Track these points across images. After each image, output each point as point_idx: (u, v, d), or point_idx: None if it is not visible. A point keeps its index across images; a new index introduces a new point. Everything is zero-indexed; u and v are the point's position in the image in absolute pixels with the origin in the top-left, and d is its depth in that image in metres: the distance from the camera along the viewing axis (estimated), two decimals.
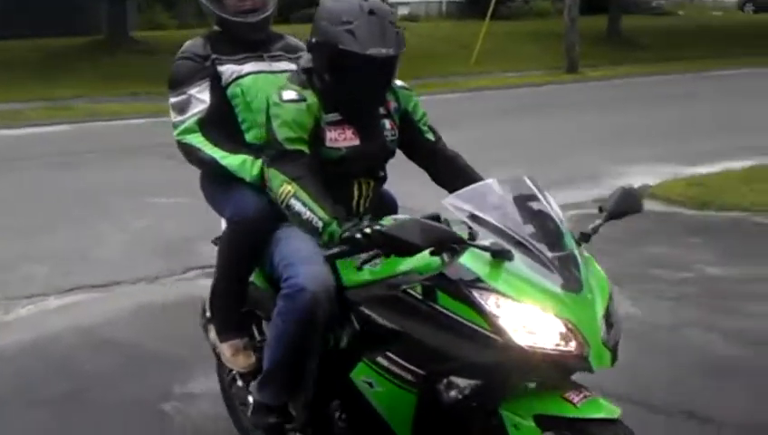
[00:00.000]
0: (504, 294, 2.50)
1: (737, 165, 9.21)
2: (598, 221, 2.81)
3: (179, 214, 7.42)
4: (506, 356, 2.47)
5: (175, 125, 3.37)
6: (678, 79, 19.35)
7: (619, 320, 2.63)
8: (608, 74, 20.17)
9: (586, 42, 21.71)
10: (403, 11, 29.78)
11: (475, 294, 2.53)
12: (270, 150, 3.04)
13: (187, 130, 3.33)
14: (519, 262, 2.55)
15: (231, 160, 3.26)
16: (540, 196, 2.72)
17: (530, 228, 2.62)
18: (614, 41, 24.63)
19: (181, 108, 3.35)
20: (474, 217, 2.65)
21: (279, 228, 3.15)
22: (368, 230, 2.59)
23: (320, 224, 2.85)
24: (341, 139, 3.07)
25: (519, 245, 2.57)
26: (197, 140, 3.31)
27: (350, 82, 2.98)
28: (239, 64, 3.37)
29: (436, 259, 2.66)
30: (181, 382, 4.37)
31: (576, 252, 2.63)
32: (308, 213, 2.87)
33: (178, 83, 3.36)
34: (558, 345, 2.44)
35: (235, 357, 3.38)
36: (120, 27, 21.72)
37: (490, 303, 2.50)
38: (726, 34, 26.71)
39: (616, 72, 20.35)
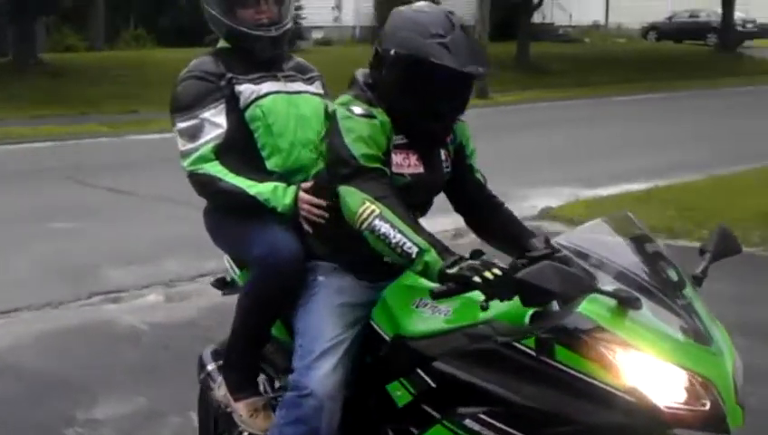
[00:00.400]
0: (634, 348, 2.20)
1: (636, 187, 9.57)
2: (703, 263, 2.57)
3: (84, 238, 7.35)
4: (635, 418, 2.18)
5: (185, 154, 2.97)
6: (584, 103, 19.94)
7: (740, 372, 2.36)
8: (517, 99, 20.63)
9: (496, 68, 22.17)
10: (317, 35, 29.97)
11: (602, 347, 2.21)
12: (341, 168, 2.63)
13: (202, 159, 2.92)
14: (646, 310, 2.26)
15: (261, 189, 2.86)
16: (650, 235, 2.51)
17: (651, 272, 2.38)
18: (523, 67, 25.20)
19: (192, 134, 2.95)
20: (590, 260, 2.38)
21: (311, 284, 2.82)
22: (496, 272, 2.27)
23: (414, 250, 2.46)
24: (406, 165, 2.75)
25: (643, 290, 2.30)
26: (216, 169, 2.91)
27: (432, 100, 2.67)
28: (256, 84, 3.01)
29: (526, 309, 2.34)
30: (84, 408, 4.35)
31: (699, 300, 2.40)
32: (398, 236, 2.49)
33: (188, 106, 2.96)
34: (694, 404, 2.18)
35: (254, 418, 3.00)
36: (29, 49, 21.27)
37: (619, 358, 2.20)
38: (630, 61, 27.63)
39: (524, 97, 20.83)
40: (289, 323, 2.89)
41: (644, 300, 2.26)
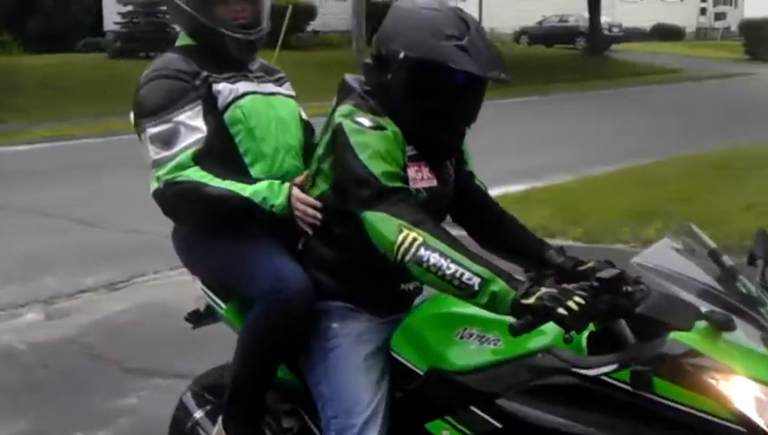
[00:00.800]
0: (736, 373, 2.01)
1: (513, 188, 9.83)
2: (759, 272, 2.38)
3: None
4: None
5: (159, 163, 2.60)
6: None
7: None
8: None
9: None
10: None
11: (704, 375, 2.02)
12: (361, 190, 2.30)
13: (180, 167, 2.56)
14: (739, 330, 2.08)
15: (257, 189, 2.53)
16: (719, 249, 2.33)
17: (732, 288, 2.21)
18: None
19: (167, 140, 2.59)
20: (672, 279, 2.18)
21: (325, 333, 2.50)
22: (580, 302, 2.02)
23: (475, 281, 2.14)
24: (420, 178, 2.47)
25: (730, 308, 2.13)
26: (199, 175, 2.55)
27: (445, 108, 2.41)
28: (232, 83, 2.71)
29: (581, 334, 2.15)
30: None
31: None
32: (453, 267, 2.16)
33: (160, 108, 2.62)
34: None
35: None
36: None
37: (723, 385, 2.01)
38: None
39: None
40: (294, 363, 2.62)
41: (736, 320, 2.08)
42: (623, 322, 2.15)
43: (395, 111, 2.42)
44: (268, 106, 2.76)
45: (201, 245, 2.71)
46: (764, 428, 1.98)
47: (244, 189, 2.53)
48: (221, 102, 2.67)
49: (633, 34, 40.43)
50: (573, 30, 37.00)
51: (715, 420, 2.00)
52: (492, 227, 2.74)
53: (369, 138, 2.35)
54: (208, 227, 2.69)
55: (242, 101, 2.69)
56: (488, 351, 2.31)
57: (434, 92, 2.39)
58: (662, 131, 14.85)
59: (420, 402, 2.45)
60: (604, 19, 35.10)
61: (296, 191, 2.54)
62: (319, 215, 2.50)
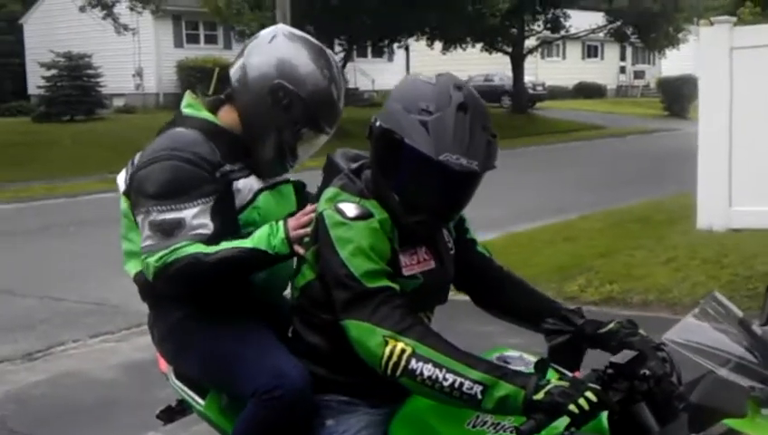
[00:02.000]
0: None
1: None
2: None
3: None
4: None
5: (151, 250, 2.38)
6: None
7: None
8: (319, 165, 20.89)
9: None
10: (119, 103, 29.30)
11: None
12: (341, 292, 2.14)
13: (175, 251, 2.35)
14: None
15: (257, 237, 2.36)
16: (747, 318, 2.20)
17: (766, 358, 2.07)
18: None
19: (168, 231, 2.37)
20: (707, 355, 2.05)
21: (318, 430, 2.32)
22: (591, 399, 1.93)
23: (477, 389, 1.99)
24: (416, 263, 2.29)
25: (765, 381, 2.01)
26: (195, 247, 2.35)
27: (411, 189, 2.20)
28: (246, 177, 2.52)
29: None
30: None
31: None
32: (450, 377, 2.00)
33: (170, 194, 2.38)
34: None
35: None
36: None
37: None
38: None
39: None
40: None
41: None
42: (643, 405, 2.08)
43: (376, 188, 2.25)
44: (278, 201, 2.59)
45: (193, 333, 2.52)
46: None
47: (244, 242, 2.36)
48: (239, 202, 2.49)
49: (556, 92, 41.46)
50: (498, 89, 37.73)
51: None
52: (499, 295, 2.56)
53: (350, 231, 2.16)
54: (206, 313, 2.50)
55: (258, 201, 2.52)
56: None
57: (398, 169, 2.19)
58: (586, 186, 15.14)
59: None
60: (528, 78, 35.96)
61: (291, 222, 2.37)
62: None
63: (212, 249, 2.35)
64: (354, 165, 2.36)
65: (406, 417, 2.32)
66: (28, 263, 9.64)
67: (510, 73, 34.60)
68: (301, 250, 2.33)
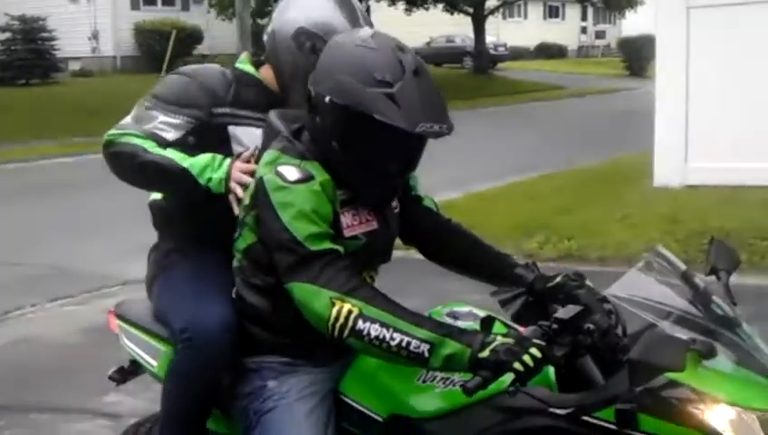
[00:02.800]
0: (720, 401, 1.99)
1: None
2: (723, 286, 2.33)
3: None
4: None
5: (116, 126, 2.55)
6: None
7: None
8: None
9: None
10: (74, 66, 28.83)
11: (689, 407, 1.99)
12: (284, 257, 2.13)
13: (131, 135, 2.48)
14: (720, 356, 2.05)
15: (197, 161, 2.40)
16: (691, 271, 2.26)
17: (708, 312, 2.16)
18: None
19: (138, 119, 2.54)
20: (649, 308, 2.13)
21: (260, 393, 2.32)
22: (536, 355, 1.96)
23: (424, 348, 2.01)
24: (358, 223, 2.27)
25: (708, 333, 2.09)
26: (142, 141, 2.46)
27: (377, 159, 2.20)
28: (252, 127, 2.55)
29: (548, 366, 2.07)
30: None
31: (755, 332, 2.20)
32: (397, 336, 2.01)
33: (165, 100, 2.55)
34: None
35: None
36: None
37: (708, 415, 1.98)
38: None
39: None
40: (229, 414, 2.48)
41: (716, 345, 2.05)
42: (588, 358, 2.11)
43: (326, 156, 2.21)
44: None
45: (168, 265, 2.64)
46: None
47: (184, 159, 2.41)
48: (235, 148, 2.51)
49: (518, 53, 41.49)
50: (460, 50, 37.70)
51: None
52: (448, 249, 2.57)
53: (292, 195, 2.14)
54: (190, 248, 2.60)
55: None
56: (456, 393, 2.12)
57: (362, 143, 2.17)
58: (547, 146, 15.25)
59: None
60: (489, 39, 35.91)
61: (238, 164, 2.40)
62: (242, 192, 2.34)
63: (155, 150, 2.43)
64: (294, 126, 2.32)
65: (357, 374, 2.35)
66: None
67: (471, 34, 34.54)
68: (239, 192, 2.35)
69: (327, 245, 2.13)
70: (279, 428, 2.28)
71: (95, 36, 30.40)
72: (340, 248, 2.15)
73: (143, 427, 2.88)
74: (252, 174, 2.33)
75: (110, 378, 2.97)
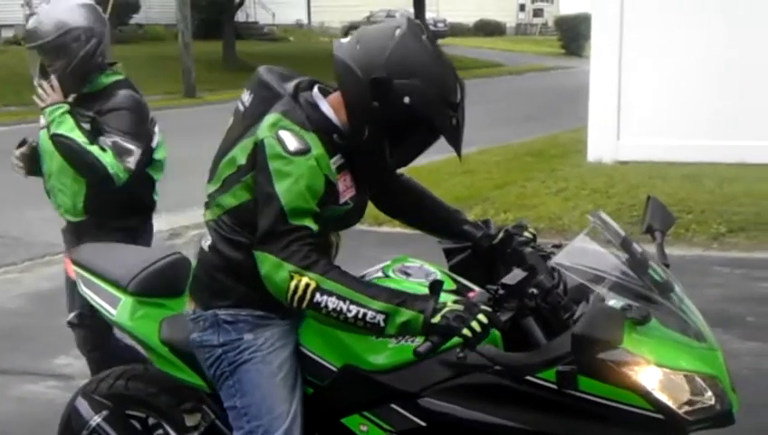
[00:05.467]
0: (653, 363, 2.17)
1: None
2: (658, 245, 2.52)
3: None
4: (662, 431, 2.20)
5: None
6: None
7: None
8: (225, 98, 20.54)
9: (203, 66, 22.10)
10: (7, 34, 28.16)
11: (623, 369, 2.15)
12: (263, 219, 2.24)
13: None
14: (653, 320, 2.25)
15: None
16: (630, 237, 2.42)
17: (643, 277, 2.33)
18: (230, 66, 25.25)
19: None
20: (588, 276, 2.29)
21: (235, 345, 2.45)
22: (483, 321, 2.10)
23: (380, 318, 2.14)
24: (345, 189, 2.37)
25: (642, 298, 2.27)
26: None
27: (409, 151, 2.36)
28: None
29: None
30: None
31: (686, 297, 2.40)
32: (354, 308, 2.14)
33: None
34: (708, 404, 2.21)
35: None
36: None
37: (641, 377, 2.16)
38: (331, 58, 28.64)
39: (233, 96, 20.48)
40: (198, 368, 2.61)
41: (650, 310, 2.24)
42: (531, 320, 2.28)
43: (354, 128, 2.30)
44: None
45: None
46: (676, 410, 2.16)
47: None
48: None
49: (457, 30, 41.75)
50: None
51: (636, 410, 2.16)
52: (403, 203, 2.74)
53: (289, 165, 2.23)
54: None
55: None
56: (407, 348, 2.26)
57: (410, 140, 2.31)
58: (485, 123, 15.39)
59: (335, 398, 2.45)
60: (429, 15, 36.07)
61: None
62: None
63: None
64: (289, 85, 2.40)
65: (314, 327, 2.47)
66: None
67: (411, 9, 34.62)
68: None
69: (306, 222, 2.23)
70: (255, 378, 2.42)
71: (28, 3, 29.67)
72: (315, 227, 2.25)
73: (105, 382, 2.97)
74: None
75: (69, 323, 3.10)
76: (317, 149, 2.27)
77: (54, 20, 3.45)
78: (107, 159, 3.40)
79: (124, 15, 28.16)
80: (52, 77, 3.46)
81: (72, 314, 3.09)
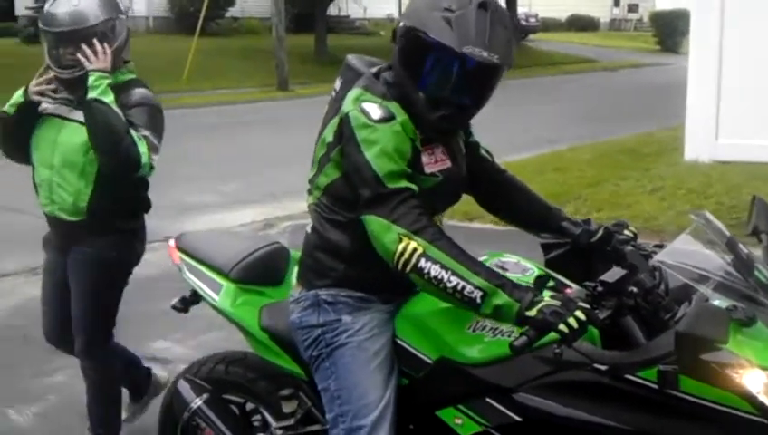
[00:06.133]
0: (760, 367, 2.06)
1: None
2: (764, 245, 2.45)
3: None
4: None
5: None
6: None
7: None
8: (317, 91, 20.78)
9: (296, 60, 22.36)
10: None
11: (728, 371, 2.07)
12: (364, 189, 2.26)
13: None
14: (759, 322, 2.17)
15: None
16: (735, 237, 2.35)
17: (749, 278, 2.26)
18: (322, 59, 25.49)
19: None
20: (693, 276, 2.23)
21: (334, 326, 2.47)
22: (581, 318, 2.06)
23: (477, 294, 2.13)
24: (433, 162, 2.39)
25: (747, 299, 2.20)
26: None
27: (432, 85, 2.29)
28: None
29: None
30: None
31: None
32: (454, 279, 2.14)
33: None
34: None
35: None
36: None
37: (748, 380, 2.06)
38: None
39: (325, 90, 20.68)
40: (298, 356, 2.64)
41: (756, 312, 2.16)
42: (630, 319, 2.23)
43: (399, 89, 2.34)
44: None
45: None
46: None
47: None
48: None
49: (549, 25, 41.25)
50: None
51: (741, 413, 2.07)
52: (501, 198, 2.72)
53: (375, 133, 2.26)
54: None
55: None
56: (503, 343, 2.24)
57: (422, 65, 2.28)
58: (578, 119, 15.27)
59: (430, 391, 2.45)
60: (521, 10, 35.68)
61: (33, 82, 3.36)
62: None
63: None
64: (373, 69, 2.46)
65: (410, 318, 2.50)
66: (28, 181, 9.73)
67: (503, 3, 34.33)
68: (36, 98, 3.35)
69: (404, 183, 2.25)
70: (349, 363, 2.44)
71: None
72: (415, 187, 2.27)
73: (205, 366, 3.06)
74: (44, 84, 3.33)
75: (173, 307, 3.15)
76: (401, 115, 2.30)
77: (92, 7, 3.28)
78: (142, 147, 3.25)
79: (220, 9, 28.68)
80: (105, 45, 3.27)
81: (176, 299, 3.17)
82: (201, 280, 2.98)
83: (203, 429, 3.00)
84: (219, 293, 2.91)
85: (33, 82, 3.36)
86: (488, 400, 2.36)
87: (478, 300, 2.14)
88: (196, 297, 3.08)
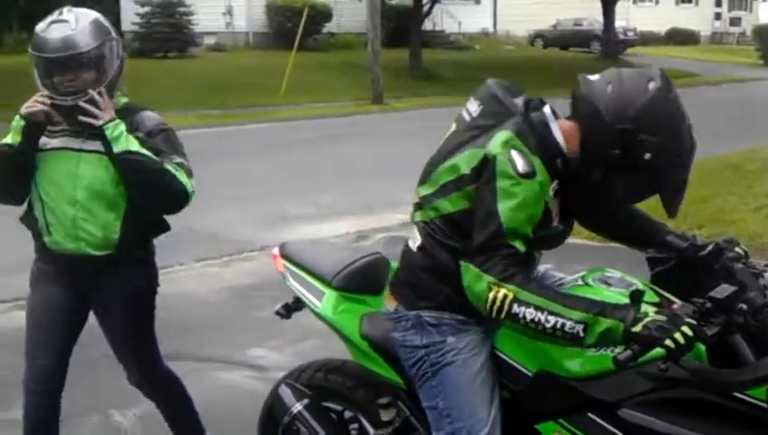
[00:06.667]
0: None
1: None
2: None
3: None
4: None
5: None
6: None
7: None
8: (411, 105, 20.96)
9: (390, 74, 22.51)
10: (209, 41, 29.74)
11: None
12: (480, 232, 2.28)
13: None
14: None
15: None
16: None
17: None
18: (417, 73, 25.61)
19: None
20: None
21: (439, 347, 2.50)
22: (687, 333, 2.05)
23: (578, 328, 2.13)
24: (556, 212, 2.43)
25: None
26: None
27: (612, 187, 2.38)
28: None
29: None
30: None
31: None
32: (552, 319, 2.15)
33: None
34: None
35: None
36: None
37: None
38: (517, 67, 28.44)
39: (419, 104, 21.14)
40: (397, 364, 2.68)
41: None
42: (739, 337, 2.19)
43: (586, 165, 2.35)
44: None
45: None
46: None
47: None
48: None
49: (648, 39, 40.45)
50: (588, 34, 37.00)
51: None
52: (603, 215, 2.69)
53: (516, 187, 2.26)
54: None
55: None
56: (606, 357, 2.23)
57: (630, 186, 2.36)
58: None
59: (530, 403, 2.46)
60: (619, 23, 35.12)
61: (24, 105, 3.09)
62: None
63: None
64: (518, 101, 2.45)
65: (510, 332, 2.46)
66: None
67: (600, 18, 33.86)
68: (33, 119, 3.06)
69: (518, 244, 2.26)
70: (457, 380, 2.47)
71: (229, 12, 31.22)
72: (524, 249, 2.28)
73: (305, 373, 3.11)
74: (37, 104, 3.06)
75: (277, 313, 3.20)
76: (542, 174, 2.30)
77: (85, 32, 3.06)
78: (183, 177, 3.17)
79: (317, 24, 29.09)
80: (101, 90, 3.07)
81: (279, 305, 3.21)
82: (304, 287, 3.03)
83: (303, 434, 3.04)
84: (321, 300, 2.96)
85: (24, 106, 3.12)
86: (590, 414, 2.33)
87: (581, 334, 2.14)
88: (298, 304, 3.13)
